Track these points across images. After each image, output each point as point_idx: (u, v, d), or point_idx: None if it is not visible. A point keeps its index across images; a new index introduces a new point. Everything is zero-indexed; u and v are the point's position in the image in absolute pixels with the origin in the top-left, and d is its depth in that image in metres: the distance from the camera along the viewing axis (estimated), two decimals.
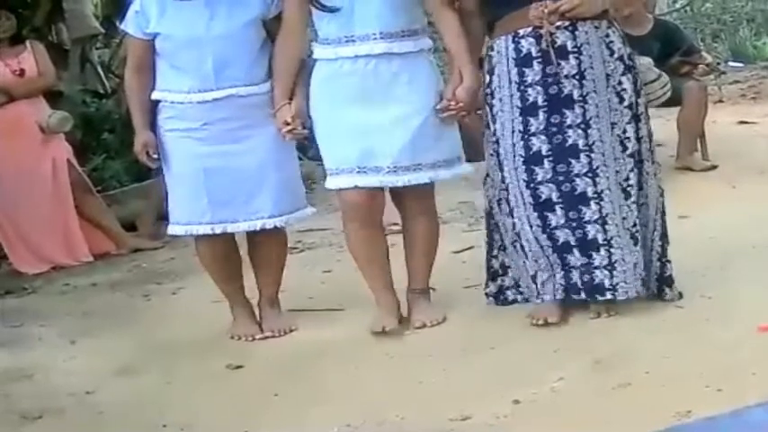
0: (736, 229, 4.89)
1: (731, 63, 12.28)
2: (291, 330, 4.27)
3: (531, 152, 3.87)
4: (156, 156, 4.17)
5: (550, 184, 3.88)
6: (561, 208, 3.89)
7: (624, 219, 3.89)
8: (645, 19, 6.70)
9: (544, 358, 3.63)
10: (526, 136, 3.87)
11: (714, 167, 6.55)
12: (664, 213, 4.04)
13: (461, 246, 5.05)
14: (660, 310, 3.95)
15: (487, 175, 4.07)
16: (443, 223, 4.26)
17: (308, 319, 4.36)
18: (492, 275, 4.18)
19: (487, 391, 3.42)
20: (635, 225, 3.90)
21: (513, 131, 3.89)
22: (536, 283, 3.96)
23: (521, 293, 4.10)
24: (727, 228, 4.97)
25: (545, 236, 3.90)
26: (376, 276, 4.18)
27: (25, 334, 4.74)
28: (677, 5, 13.77)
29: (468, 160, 4.23)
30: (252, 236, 4.26)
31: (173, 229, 4.26)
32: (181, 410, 3.63)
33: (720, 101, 9.13)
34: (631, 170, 3.90)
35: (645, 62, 5.87)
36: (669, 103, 6.53)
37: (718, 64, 10.11)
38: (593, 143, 3.86)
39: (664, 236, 4.03)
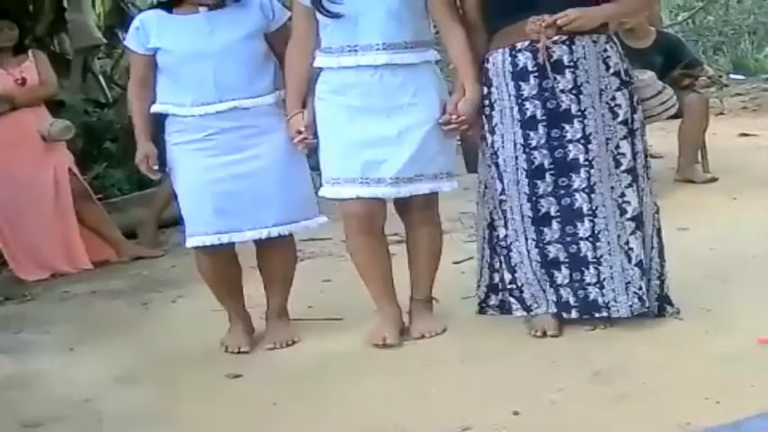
0: (737, 242, 4.90)
1: (733, 76, 12.31)
2: (294, 342, 4.26)
3: (534, 165, 3.87)
4: (155, 167, 4.19)
5: (551, 198, 3.88)
6: (558, 222, 3.89)
7: (618, 236, 3.87)
8: (648, 32, 6.73)
9: (543, 370, 3.63)
10: (528, 149, 3.87)
11: (715, 179, 6.56)
12: (660, 230, 4.02)
13: (462, 256, 5.04)
14: (659, 321, 3.96)
15: (486, 186, 4.07)
16: (444, 234, 4.25)
17: (307, 329, 4.36)
18: (492, 288, 4.18)
19: (487, 401, 3.41)
20: (628, 243, 3.88)
21: (514, 144, 3.89)
22: (524, 297, 3.96)
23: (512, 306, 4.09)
24: (728, 240, 4.97)
25: (537, 250, 3.91)
26: (378, 286, 4.17)
27: (24, 341, 4.74)
28: (680, 19, 13.79)
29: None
30: (260, 245, 4.25)
31: (190, 242, 4.20)
32: (179, 419, 3.62)
33: (722, 113, 9.15)
34: (627, 186, 3.88)
35: (648, 76, 5.84)
36: (671, 115, 6.54)
37: (720, 77, 10.11)
38: (593, 159, 3.85)
39: (661, 253, 4.01)
